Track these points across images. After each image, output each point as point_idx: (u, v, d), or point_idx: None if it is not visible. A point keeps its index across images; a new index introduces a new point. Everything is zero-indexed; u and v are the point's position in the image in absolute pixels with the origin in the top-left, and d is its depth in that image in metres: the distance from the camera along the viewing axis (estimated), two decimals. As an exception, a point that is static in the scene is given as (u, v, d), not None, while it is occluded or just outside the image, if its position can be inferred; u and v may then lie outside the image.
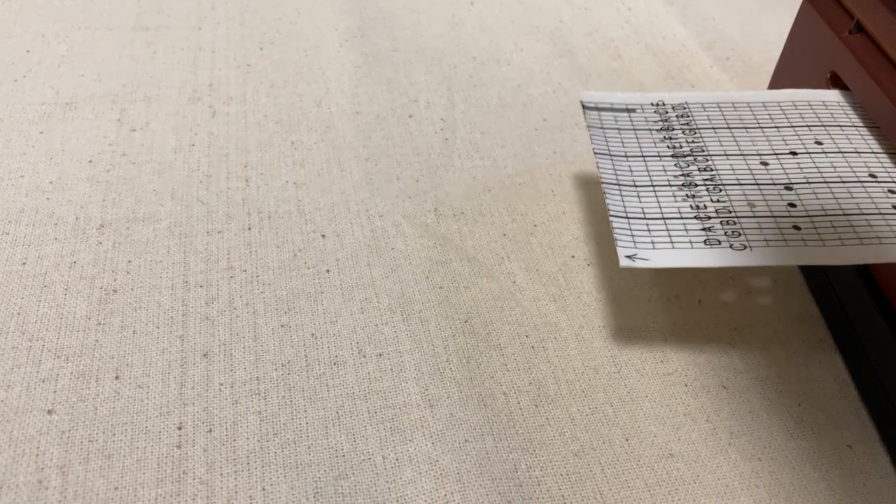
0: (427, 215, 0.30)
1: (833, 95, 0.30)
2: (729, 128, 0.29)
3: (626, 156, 0.27)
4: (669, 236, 0.24)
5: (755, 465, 0.23)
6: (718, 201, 0.25)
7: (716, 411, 0.25)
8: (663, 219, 0.25)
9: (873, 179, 0.26)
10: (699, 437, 0.24)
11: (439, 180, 0.32)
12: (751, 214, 0.25)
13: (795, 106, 0.29)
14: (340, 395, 0.24)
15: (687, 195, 0.26)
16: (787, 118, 0.29)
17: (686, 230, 0.25)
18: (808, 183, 0.26)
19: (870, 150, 0.27)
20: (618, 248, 0.24)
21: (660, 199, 0.26)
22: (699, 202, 0.26)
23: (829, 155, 0.27)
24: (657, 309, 0.28)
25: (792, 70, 0.32)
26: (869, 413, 0.25)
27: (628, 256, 0.23)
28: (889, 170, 0.26)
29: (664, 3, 0.46)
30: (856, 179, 0.26)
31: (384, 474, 0.22)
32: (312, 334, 0.26)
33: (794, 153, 0.27)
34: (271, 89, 0.36)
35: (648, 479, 0.23)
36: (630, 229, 0.25)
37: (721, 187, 0.26)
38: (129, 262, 0.27)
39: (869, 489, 0.23)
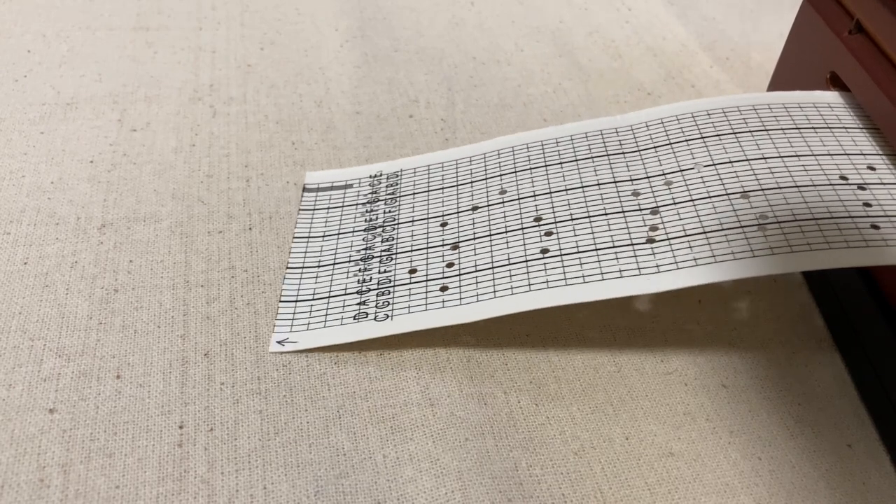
0: (427, 215, 0.30)
1: (572, 128, 0.29)
2: (427, 191, 0.28)
3: (323, 236, 0.28)
4: (325, 315, 0.25)
5: (755, 464, 0.23)
6: (385, 272, 0.26)
7: (716, 410, 0.25)
8: (328, 297, 0.26)
9: (536, 224, 0.25)
10: (699, 436, 0.24)
11: (440, 180, 0.32)
12: (407, 282, 0.25)
13: (527, 147, 0.29)
14: (341, 394, 0.24)
15: (360, 269, 0.26)
16: (514, 164, 0.28)
17: (343, 307, 0.25)
18: (474, 239, 0.26)
19: (546, 192, 0.26)
20: (272, 335, 0.25)
21: (335, 276, 0.26)
22: (368, 275, 0.26)
23: (506, 204, 0.27)
24: (657, 309, 0.28)
25: (792, 70, 0.32)
26: (869, 413, 0.25)
27: (279, 342, 0.25)
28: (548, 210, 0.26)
29: (664, 4, 0.46)
30: (519, 227, 0.26)
31: (385, 473, 0.22)
32: (313, 334, 0.26)
33: (475, 208, 0.27)
34: (272, 89, 0.36)
35: (648, 477, 0.23)
36: (293, 313, 0.25)
37: (393, 256, 0.26)
38: (131, 261, 0.27)
39: (869, 488, 0.23)
